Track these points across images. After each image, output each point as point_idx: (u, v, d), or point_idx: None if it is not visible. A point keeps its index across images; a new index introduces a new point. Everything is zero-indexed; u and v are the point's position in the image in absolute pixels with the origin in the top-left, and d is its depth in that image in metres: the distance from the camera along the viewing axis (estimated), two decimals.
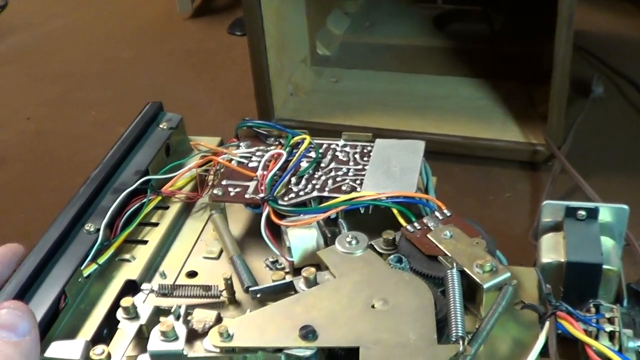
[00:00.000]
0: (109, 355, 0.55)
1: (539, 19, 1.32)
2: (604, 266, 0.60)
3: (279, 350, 0.51)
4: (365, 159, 0.69)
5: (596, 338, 0.56)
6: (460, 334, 0.51)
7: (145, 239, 0.67)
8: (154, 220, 0.69)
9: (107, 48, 1.70)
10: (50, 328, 0.58)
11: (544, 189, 1.10)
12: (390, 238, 0.60)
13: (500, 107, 1.26)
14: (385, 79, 1.37)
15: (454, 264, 0.55)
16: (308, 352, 0.51)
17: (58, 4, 1.93)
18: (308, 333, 0.51)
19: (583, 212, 0.64)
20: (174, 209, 0.70)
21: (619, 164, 1.17)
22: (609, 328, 0.57)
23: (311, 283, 0.56)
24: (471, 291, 0.56)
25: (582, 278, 0.61)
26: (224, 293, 0.60)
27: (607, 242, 0.63)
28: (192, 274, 0.64)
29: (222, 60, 1.57)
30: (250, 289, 0.58)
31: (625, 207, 0.64)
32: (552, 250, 0.62)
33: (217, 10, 1.82)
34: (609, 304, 0.61)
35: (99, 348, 0.55)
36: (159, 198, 0.70)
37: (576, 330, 0.54)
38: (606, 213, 0.65)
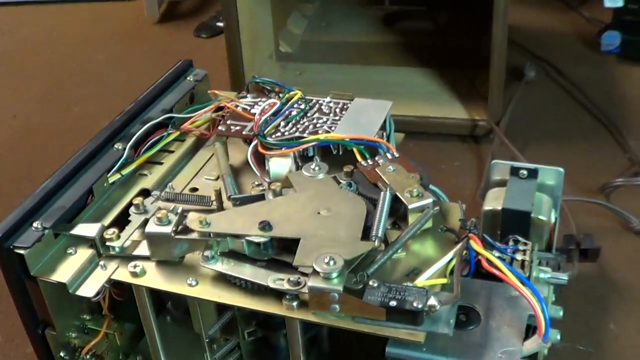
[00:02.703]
0: (118, 236, 0.71)
1: (476, 15, 1.49)
2: (534, 215, 0.72)
3: (243, 236, 0.67)
4: (344, 112, 0.84)
5: (510, 265, 0.67)
6: (378, 235, 0.65)
7: (162, 161, 0.84)
8: (172, 148, 0.86)
9: (82, 50, 1.81)
10: (77, 216, 0.75)
11: (487, 158, 1.27)
12: (349, 171, 0.75)
13: (446, 90, 1.43)
14: (344, 70, 1.52)
15: (388, 189, 0.70)
16: (263, 239, 0.66)
17: (23, 13, 2.04)
18: (265, 225, 0.66)
19: (524, 172, 0.76)
20: (189, 142, 0.87)
21: (549, 136, 1.35)
22: (520, 257, 0.69)
23: (277, 194, 0.72)
24: (406, 215, 0.70)
25: (515, 223, 0.72)
26: (214, 203, 0.76)
27: (542, 197, 0.75)
28: (194, 190, 0.80)
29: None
30: (232, 196, 0.74)
31: (561, 169, 0.76)
32: (494, 200, 0.74)
33: (182, 15, 1.95)
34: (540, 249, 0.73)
35: (111, 230, 0.71)
36: (178, 132, 0.86)
37: (477, 246, 0.67)
38: (545, 174, 0.76)
